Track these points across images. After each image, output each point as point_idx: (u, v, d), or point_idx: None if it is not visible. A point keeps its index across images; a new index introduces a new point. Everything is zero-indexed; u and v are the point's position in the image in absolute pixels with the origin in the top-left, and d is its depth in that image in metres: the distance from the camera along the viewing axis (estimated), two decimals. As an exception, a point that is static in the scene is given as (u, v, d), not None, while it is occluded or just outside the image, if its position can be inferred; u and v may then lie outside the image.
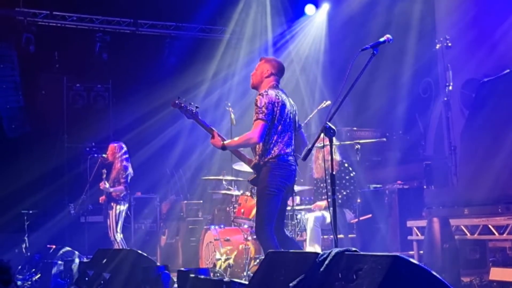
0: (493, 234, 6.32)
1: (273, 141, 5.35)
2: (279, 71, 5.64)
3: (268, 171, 5.33)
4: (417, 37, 9.51)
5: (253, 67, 5.79)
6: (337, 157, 7.54)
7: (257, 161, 5.45)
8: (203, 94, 12.44)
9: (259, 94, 5.39)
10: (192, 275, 4.92)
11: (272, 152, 5.34)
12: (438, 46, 8.47)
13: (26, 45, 11.72)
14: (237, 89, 12.12)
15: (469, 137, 7.52)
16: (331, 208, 4.18)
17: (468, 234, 6.61)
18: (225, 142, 5.41)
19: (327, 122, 4.25)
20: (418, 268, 2.83)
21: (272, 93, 5.38)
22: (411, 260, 2.85)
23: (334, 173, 4.28)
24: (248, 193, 7.52)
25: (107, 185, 8.90)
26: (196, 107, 5.67)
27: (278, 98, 5.37)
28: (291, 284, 3.17)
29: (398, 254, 2.83)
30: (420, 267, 2.84)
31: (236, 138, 5.47)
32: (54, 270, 8.06)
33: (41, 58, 12.07)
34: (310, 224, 7.28)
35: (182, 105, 5.60)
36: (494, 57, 8.16)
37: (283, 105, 5.40)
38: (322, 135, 4.34)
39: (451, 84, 8.17)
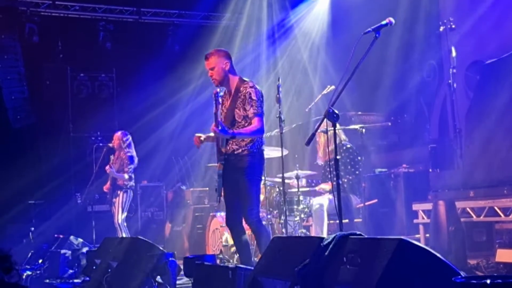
0: (499, 216, 6.31)
1: None
2: (231, 59, 5.76)
3: (254, 159, 5.53)
4: (421, 20, 9.42)
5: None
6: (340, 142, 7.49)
7: (240, 150, 5.53)
8: (208, 82, 12.35)
9: (251, 87, 5.54)
10: (198, 262, 4.95)
11: (257, 143, 5.57)
12: (442, 28, 8.40)
13: (30, 35, 11.69)
14: (242, 76, 12.02)
15: (474, 119, 7.48)
16: (335, 193, 4.19)
17: (474, 217, 6.60)
18: (235, 131, 5.47)
19: (331, 107, 4.25)
20: (423, 251, 2.83)
21: (258, 87, 5.61)
22: (416, 243, 2.85)
23: (338, 157, 4.29)
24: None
25: (113, 169, 8.93)
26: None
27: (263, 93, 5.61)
28: (296, 269, 3.18)
29: (402, 237, 2.83)
30: (425, 250, 2.84)
31: (243, 130, 5.50)
32: (61, 260, 8.13)
33: (44, 48, 12.06)
34: (315, 207, 7.28)
35: (221, 99, 5.64)
36: (498, 38, 8.09)
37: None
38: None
39: (455, 66, 8.12)
